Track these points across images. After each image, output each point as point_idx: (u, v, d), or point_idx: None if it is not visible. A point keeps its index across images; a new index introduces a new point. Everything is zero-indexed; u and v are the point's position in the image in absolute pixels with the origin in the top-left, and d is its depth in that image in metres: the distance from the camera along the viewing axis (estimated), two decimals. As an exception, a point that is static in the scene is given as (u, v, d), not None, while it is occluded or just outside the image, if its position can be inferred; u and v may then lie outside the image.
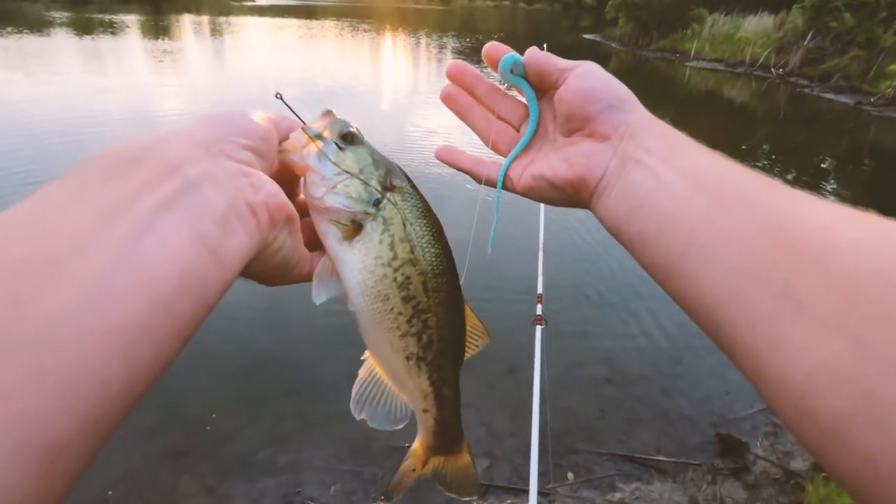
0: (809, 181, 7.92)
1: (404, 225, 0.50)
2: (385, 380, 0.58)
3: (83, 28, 20.11)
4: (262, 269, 0.44)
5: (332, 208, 0.48)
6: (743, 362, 0.34)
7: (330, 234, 0.50)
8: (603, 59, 22.51)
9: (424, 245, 0.51)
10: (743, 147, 10.02)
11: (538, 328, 2.22)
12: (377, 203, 0.50)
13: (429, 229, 0.52)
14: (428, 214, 0.53)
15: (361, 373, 0.58)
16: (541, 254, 2.72)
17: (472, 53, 18.28)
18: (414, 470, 0.65)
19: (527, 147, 0.55)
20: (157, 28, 22.82)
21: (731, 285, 0.34)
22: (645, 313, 4.07)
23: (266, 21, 30.92)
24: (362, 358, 0.59)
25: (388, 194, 0.50)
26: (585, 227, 5.69)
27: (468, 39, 24.44)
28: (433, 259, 0.52)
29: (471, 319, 0.59)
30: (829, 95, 14.59)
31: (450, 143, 0.59)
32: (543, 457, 2.68)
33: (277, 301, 3.82)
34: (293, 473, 2.49)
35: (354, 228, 0.49)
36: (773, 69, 17.19)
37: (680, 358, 3.56)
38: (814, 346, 0.27)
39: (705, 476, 2.61)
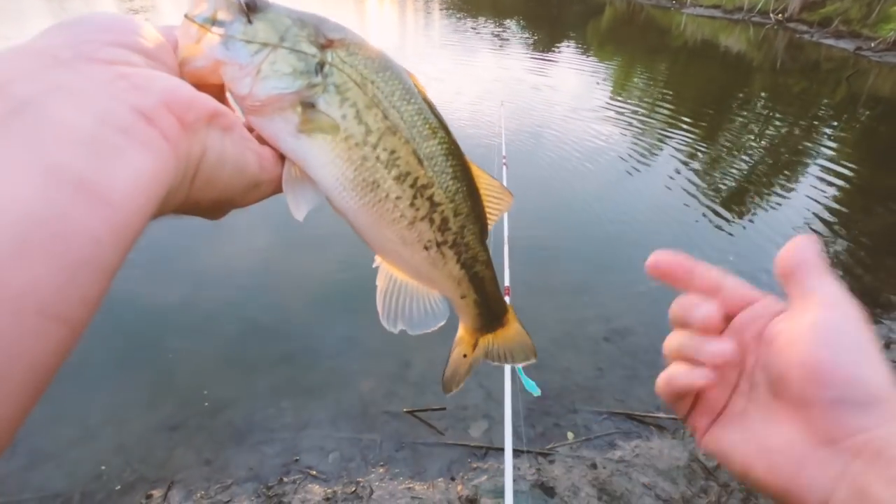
0: (807, 130, 7.78)
1: (364, 85, 0.40)
2: (408, 281, 0.50)
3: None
4: (216, 190, 0.34)
5: (268, 99, 0.38)
6: None
7: (281, 133, 0.39)
8: (597, 9, 21.73)
9: (398, 104, 0.41)
10: (740, 96, 9.79)
11: None
12: (319, 69, 0.39)
13: (397, 83, 0.42)
14: (389, 65, 0.42)
15: (380, 283, 0.50)
16: (506, 247, 2.68)
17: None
18: (465, 356, 0.59)
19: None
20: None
21: None
22: (639, 273, 4.01)
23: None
24: (374, 266, 0.50)
25: (329, 53, 0.40)
26: (551, 219, 5.57)
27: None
28: (415, 118, 0.42)
29: (482, 179, 0.49)
30: (829, 41, 14.22)
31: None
32: (542, 418, 2.67)
33: (269, 267, 3.72)
34: (290, 442, 2.46)
35: (306, 113, 0.39)
36: (771, 14, 16.67)
37: (677, 314, 3.52)
38: None
39: (704, 431, 2.61)
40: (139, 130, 0.27)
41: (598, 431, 2.61)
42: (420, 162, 0.42)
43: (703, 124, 7.63)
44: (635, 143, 6.77)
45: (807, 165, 6.48)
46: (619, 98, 8.90)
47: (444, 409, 2.66)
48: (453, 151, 0.45)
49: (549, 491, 2.29)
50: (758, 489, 0.37)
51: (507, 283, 2.46)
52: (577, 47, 13.97)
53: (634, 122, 7.57)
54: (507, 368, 2.08)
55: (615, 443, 2.55)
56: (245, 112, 0.39)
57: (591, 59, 12.29)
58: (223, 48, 0.38)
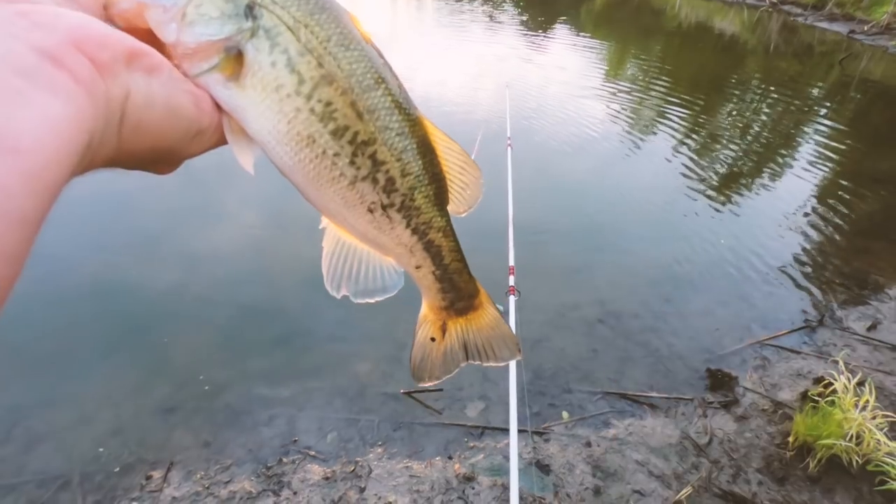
0: (799, 114, 7.80)
1: (296, 30, 0.35)
2: (357, 245, 0.46)
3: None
4: (151, 137, 0.31)
5: (195, 45, 0.34)
6: None
7: (211, 82, 0.35)
8: (590, -11, 21.44)
9: (335, 50, 0.37)
10: (733, 79, 9.78)
11: (511, 298, 2.25)
12: (249, 12, 0.35)
13: (334, 26, 0.37)
14: (326, 6, 0.37)
15: (326, 245, 0.46)
16: (510, 228, 2.69)
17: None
18: (433, 339, 0.55)
19: None
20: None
21: None
22: (633, 256, 4.04)
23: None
24: (320, 227, 0.46)
25: None
26: (555, 197, 5.57)
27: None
28: (354, 67, 0.37)
29: (441, 140, 0.44)
30: (823, 24, 14.19)
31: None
32: (538, 398, 2.71)
33: (264, 248, 3.70)
34: (288, 423, 2.47)
35: (235, 60, 0.35)
36: (766, -3, 16.57)
37: (669, 297, 3.57)
38: None
39: (696, 410, 2.67)
40: (44, 73, 0.24)
41: (592, 411, 2.65)
42: (359, 115, 0.38)
43: (697, 108, 7.62)
44: (629, 127, 6.76)
45: (798, 149, 6.52)
46: (613, 81, 8.85)
47: (440, 389, 2.68)
48: (400, 105, 0.40)
49: (545, 468, 2.33)
50: None
51: (511, 262, 2.47)
52: (571, 30, 13.82)
53: (628, 106, 7.55)
54: (513, 368, 2.08)
55: (609, 421, 2.60)
56: (175, 59, 0.35)
57: (584, 41, 12.18)
58: None
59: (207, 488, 2.18)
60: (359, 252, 0.46)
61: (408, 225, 0.44)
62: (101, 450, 2.30)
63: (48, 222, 0.25)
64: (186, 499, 2.13)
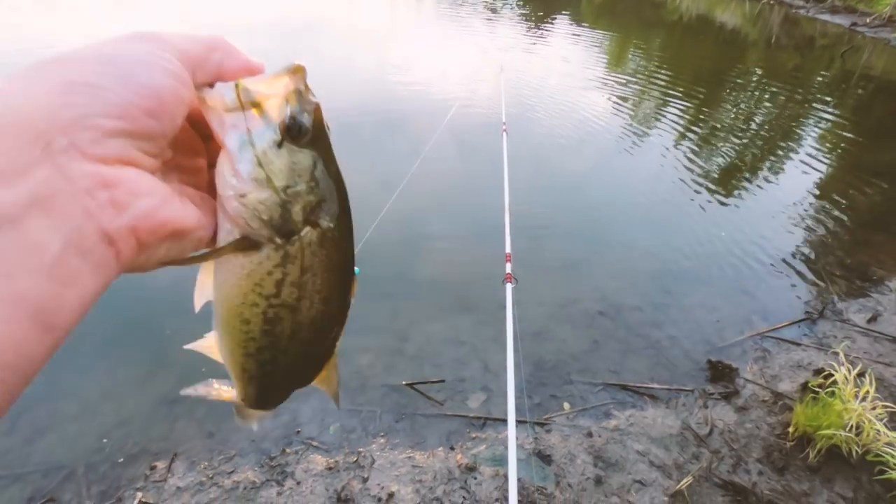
0: (801, 107, 7.78)
1: (304, 272, 0.39)
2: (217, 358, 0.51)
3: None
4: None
5: (232, 217, 0.36)
6: None
7: (222, 230, 0.37)
8: (591, -19, 21.27)
9: (317, 301, 0.41)
10: (734, 72, 9.74)
11: (508, 286, 2.24)
12: (287, 235, 0.38)
13: (332, 287, 0.42)
14: (340, 270, 0.42)
15: (196, 346, 0.53)
16: (507, 215, 2.68)
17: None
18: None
19: None
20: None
21: None
22: (634, 249, 4.05)
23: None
24: (206, 335, 0.51)
25: (306, 231, 0.38)
26: (556, 189, 5.56)
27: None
28: (317, 317, 0.42)
29: (331, 372, 0.51)
30: (825, 17, 14.11)
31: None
32: (540, 389, 2.72)
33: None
34: (291, 414, 2.48)
35: (248, 243, 0.37)
36: (767, -11, 16.47)
37: (670, 288, 3.58)
38: None
39: (697, 401, 2.68)
40: (97, 252, 0.27)
41: (593, 402, 2.66)
42: (291, 338, 0.42)
43: (698, 101, 7.59)
44: (629, 119, 6.74)
45: (799, 141, 6.51)
46: (613, 73, 8.82)
47: (442, 381, 2.69)
48: (325, 346, 0.47)
49: (546, 458, 2.35)
50: None
51: (507, 249, 2.47)
52: (572, 21, 13.74)
53: (629, 98, 7.52)
54: (510, 343, 2.08)
55: (610, 412, 2.61)
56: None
57: (585, 33, 12.11)
58: (236, 140, 0.35)
59: (211, 478, 2.19)
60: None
61: (257, 387, 0.49)
62: (105, 440, 2.31)
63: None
64: (191, 489, 2.15)
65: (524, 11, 14.25)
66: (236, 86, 0.35)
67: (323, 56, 8.54)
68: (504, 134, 3.42)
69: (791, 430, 2.45)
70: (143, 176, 0.30)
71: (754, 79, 9.42)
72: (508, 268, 2.35)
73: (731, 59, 11.00)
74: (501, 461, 2.32)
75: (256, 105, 0.35)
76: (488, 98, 6.47)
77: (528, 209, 4.16)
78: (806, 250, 4.13)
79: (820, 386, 2.58)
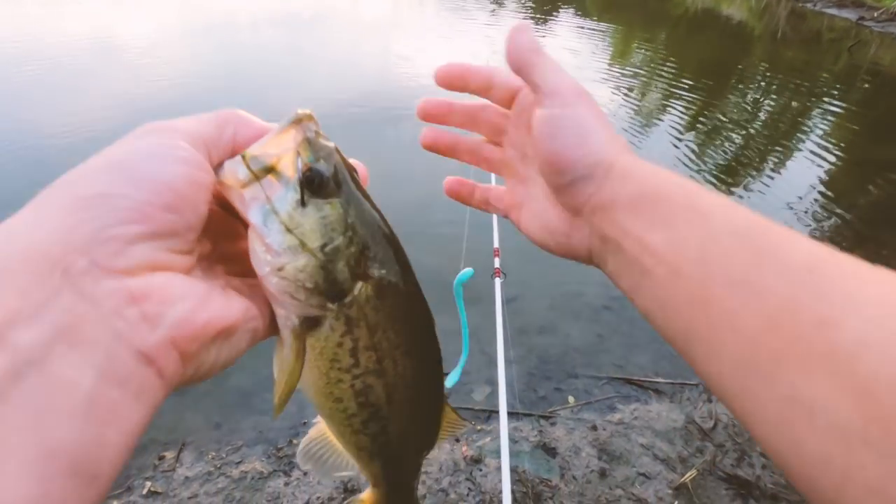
0: (806, 102, 7.74)
1: (374, 331, 0.37)
2: (336, 443, 0.49)
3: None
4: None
5: (278, 296, 0.34)
6: (770, 454, 0.30)
7: (279, 317, 0.36)
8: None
9: (398, 356, 0.39)
10: (740, 67, 9.68)
11: (497, 281, 2.23)
12: (341, 297, 0.35)
13: (411, 336, 0.40)
14: (412, 314, 0.40)
15: (312, 432, 0.50)
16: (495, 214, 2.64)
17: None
18: None
19: (511, 166, 0.50)
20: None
21: (739, 380, 0.30)
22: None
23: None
24: (314, 421, 0.50)
25: (359, 286, 0.36)
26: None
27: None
28: (407, 371, 0.40)
29: (449, 416, 0.48)
30: (832, 11, 14.00)
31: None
32: (544, 382, 2.73)
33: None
34: (299, 406, 2.50)
35: (306, 322, 0.35)
36: (774, -18, 16.31)
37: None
38: (836, 456, 0.25)
39: (701, 395, 2.69)
40: (137, 377, 0.25)
41: (598, 395, 2.67)
42: (390, 402, 0.40)
43: (702, 95, 7.56)
44: (633, 113, 6.71)
45: (805, 136, 6.48)
46: (617, 66, 8.77)
47: (446, 374, 2.70)
48: (430, 396, 0.44)
49: (550, 451, 2.36)
50: (556, 255, 0.46)
51: (496, 244, 2.42)
52: (576, 13, 13.66)
53: (632, 91, 7.49)
54: (500, 338, 2.08)
55: (615, 406, 2.62)
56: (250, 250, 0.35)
57: (589, 26, 12.05)
58: (258, 213, 0.33)
59: (219, 468, 2.21)
60: (335, 447, 0.50)
61: (383, 466, 0.47)
62: (113, 430, 2.33)
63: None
64: (199, 478, 2.17)
65: (530, 4, 14.17)
66: (243, 157, 0.33)
67: (330, 48, 8.52)
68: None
69: (795, 424, 2.46)
70: (174, 279, 0.28)
71: (759, 73, 9.37)
72: (497, 262, 2.33)
73: (737, 53, 10.93)
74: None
75: (270, 169, 0.33)
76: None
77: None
78: (811, 246, 4.12)
79: (824, 381, 2.58)
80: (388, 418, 0.41)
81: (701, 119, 6.71)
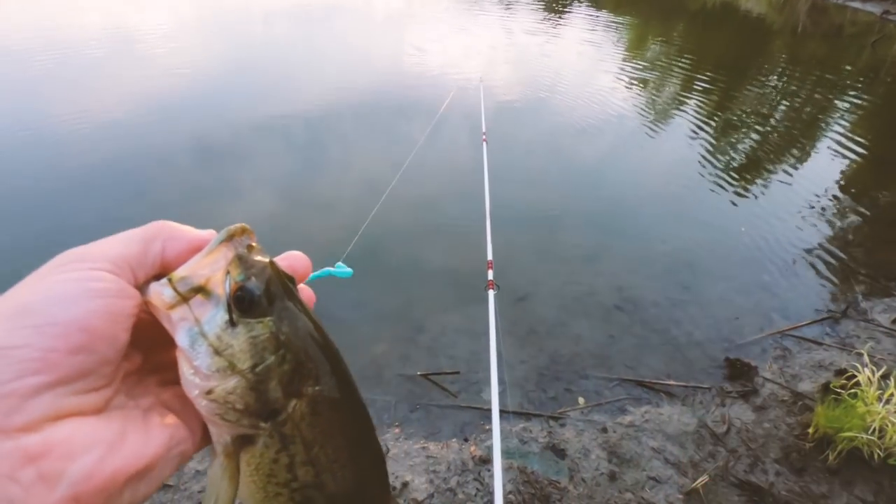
0: (827, 98, 7.56)
1: (310, 447, 0.36)
2: None
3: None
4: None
5: (208, 417, 0.33)
6: None
7: (212, 433, 0.35)
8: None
9: (337, 469, 0.38)
10: (758, 62, 9.48)
11: (490, 293, 2.18)
12: (273, 416, 0.34)
13: (349, 447, 0.38)
14: (346, 428, 0.38)
15: None
16: (488, 221, 2.59)
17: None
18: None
19: None
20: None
21: None
22: (651, 242, 3.99)
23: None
24: None
25: (293, 404, 0.34)
26: (572, 180, 5.47)
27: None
28: (347, 482, 0.38)
29: None
30: (854, 4, 13.66)
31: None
32: (554, 383, 2.71)
33: (276, 225, 3.71)
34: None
35: (237, 441, 0.34)
36: (795, -25, 15.93)
37: (688, 284, 3.52)
38: None
39: (714, 399, 2.65)
40: None
41: (608, 397, 2.64)
42: None
43: (719, 90, 7.42)
44: (649, 109, 6.61)
45: (824, 134, 6.33)
46: (633, 61, 8.64)
47: (457, 373, 2.69)
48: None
49: (560, 453, 2.34)
50: None
51: (489, 257, 2.38)
52: (590, 6, 13.46)
53: (648, 87, 7.37)
54: (493, 338, 2.05)
55: (625, 408, 2.59)
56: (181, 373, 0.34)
57: (604, 20, 11.87)
58: (186, 336, 0.32)
59: (228, 463, 2.22)
60: None
61: None
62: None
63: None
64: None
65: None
66: (169, 280, 0.32)
67: (343, 39, 8.49)
68: (484, 143, 3.20)
69: (811, 430, 2.41)
70: (81, 426, 0.27)
71: (779, 68, 9.17)
72: (490, 275, 2.27)
73: (755, 47, 10.71)
74: (515, 454, 2.32)
75: (199, 289, 0.32)
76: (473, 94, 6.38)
77: (546, 200, 4.11)
78: (829, 246, 4.03)
79: (842, 387, 2.52)
80: None
81: (717, 114, 6.59)
